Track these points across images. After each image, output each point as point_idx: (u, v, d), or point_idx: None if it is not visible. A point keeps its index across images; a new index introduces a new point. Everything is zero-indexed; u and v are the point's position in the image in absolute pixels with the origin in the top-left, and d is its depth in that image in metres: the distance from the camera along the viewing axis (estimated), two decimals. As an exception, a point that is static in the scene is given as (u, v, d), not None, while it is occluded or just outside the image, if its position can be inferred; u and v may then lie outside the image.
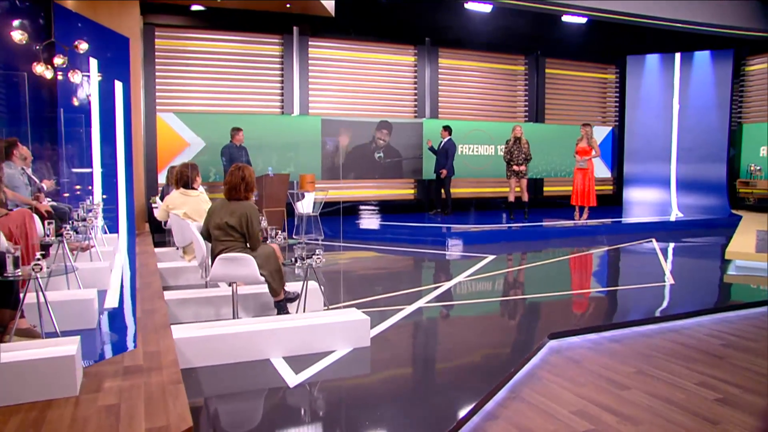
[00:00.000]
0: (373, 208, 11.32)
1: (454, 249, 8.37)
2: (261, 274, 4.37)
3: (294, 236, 8.79)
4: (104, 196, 8.38)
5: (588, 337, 4.50)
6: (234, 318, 4.53)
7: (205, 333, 3.78)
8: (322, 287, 4.65)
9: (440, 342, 4.44)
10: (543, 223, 10.06)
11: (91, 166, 8.09)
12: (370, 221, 10.33)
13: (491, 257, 7.58)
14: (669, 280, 6.36)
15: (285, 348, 3.91)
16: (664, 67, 12.43)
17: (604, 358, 3.99)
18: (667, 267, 7.17)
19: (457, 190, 11.89)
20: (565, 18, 10.72)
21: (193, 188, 5.42)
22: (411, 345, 4.25)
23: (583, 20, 10.86)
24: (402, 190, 11.57)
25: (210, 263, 4.38)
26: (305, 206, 8.88)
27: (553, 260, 7.67)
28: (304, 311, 4.67)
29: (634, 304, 5.60)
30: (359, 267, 7.54)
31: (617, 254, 8.26)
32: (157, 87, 9.62)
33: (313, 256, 4.44)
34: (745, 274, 6.82)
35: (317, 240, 8.75)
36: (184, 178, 5.37)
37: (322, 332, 4.01)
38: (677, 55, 12.36)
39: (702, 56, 12.23)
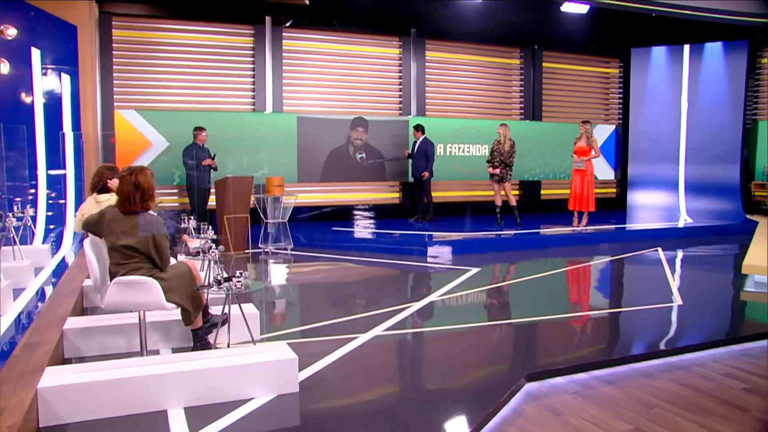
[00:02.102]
0: (354, 213, 10.52)
1: (436, 260, 7.53)
2: (170, 300, 3.56)
3: (260, 245, 8.01)
4: (62, 201, 7.68)
5: (575, 378, 3.67)
6: (142, 353, 3.74)
7: (83, 379, 3.00)
8: (246, 318, 3.81)
9: (389, 385, 3.59)
10: (536, 230, 9.29)
11: (35, 168, 7.39)
12: (348, 228, 9.49)
13: (475, 270, 6.75)
14: (676, 299, 5.49)
15: (188, 396, 3.14)
16: (671, 60, 11.88)
17: (593, 408, 3.18)
18: (675, 283, 6.29)
19: (450, 194, 11.14)
20: (564, 7, 10.20)
21: (108, 192, 4.61)
22: (350, 390, 3.41)
23: (584, 9, 10.31)
24: (386, 194, 10.82)
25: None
26: (273, 212, 8.10)
27: (544, 274, 6.79)
28: (228, 346, 3.87)
29: (634, 332, 4.76)
30: (320, 282, 6.72)
31: (617, 267, 7.41)
32: (115, 82, 8.87)
33: (233, 279, 3.62)
34: (765, 292, 5.94)
35: (286, 249, 7.96)
36: (98, 182, 4.58)
37: (237, 375, 3.24)
38: (686, 47, 11.79)
39: (713, 48, 11.64)
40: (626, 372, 3.76)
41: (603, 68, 12.76)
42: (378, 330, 4.46)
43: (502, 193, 9.40)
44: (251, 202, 8.03)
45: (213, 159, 8.32)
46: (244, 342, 3.92)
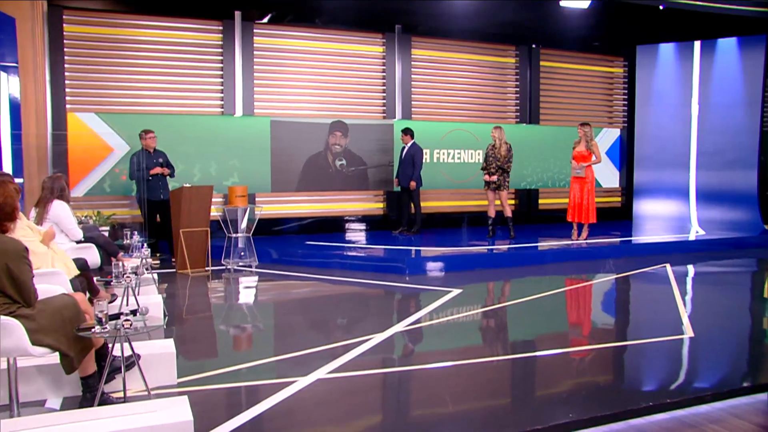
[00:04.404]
0: (334, 225, 9.77)
1: (414, 280, 6.72)
2: (39, 344, 2.82)
3: (223, 261, 7.27)
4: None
5: (557, 443, 2.86)
6: (11, 409, 3.00)
7: None
8: (140, 364, 3.04)
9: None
10: (532, 244, 8.51)
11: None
12: (323, 242, 8.69)
13: (456, 292, 5.95)
14: (687, 330, 4.65)
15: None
16: (681, 58, 11.29)
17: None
18: (685, 309, 5.45)
19: (438, 204, 10.38)
20: (564, 2, 9.71)
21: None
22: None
23: (586, 4, 9.78)
24: (369, 204, 10.09)
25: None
26: (237, 225, 7.37)
27: (536, 297, 5.95)
28: (124, 397, 3.13)
29: (634, 375, 3.95)
30: (273, 307, 5.98)
31: (619, 288, 6.59)
32: (68, 82, 8.17)
33: (121, 317, 2.85)
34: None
35: (250, 266, 7.21)
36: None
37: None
38: (697, 44, 11.18)
39: (727, 44, 11.02)
40: (623, 431, 2.99)
41: (606, 67, 12.21)
42: (322, 372, 3.68)
43: (497, 202, 8.67)
44: (213, 215, 7.33)
45: (163, 166, 7.58)
46: (144, 392, 3.15)
